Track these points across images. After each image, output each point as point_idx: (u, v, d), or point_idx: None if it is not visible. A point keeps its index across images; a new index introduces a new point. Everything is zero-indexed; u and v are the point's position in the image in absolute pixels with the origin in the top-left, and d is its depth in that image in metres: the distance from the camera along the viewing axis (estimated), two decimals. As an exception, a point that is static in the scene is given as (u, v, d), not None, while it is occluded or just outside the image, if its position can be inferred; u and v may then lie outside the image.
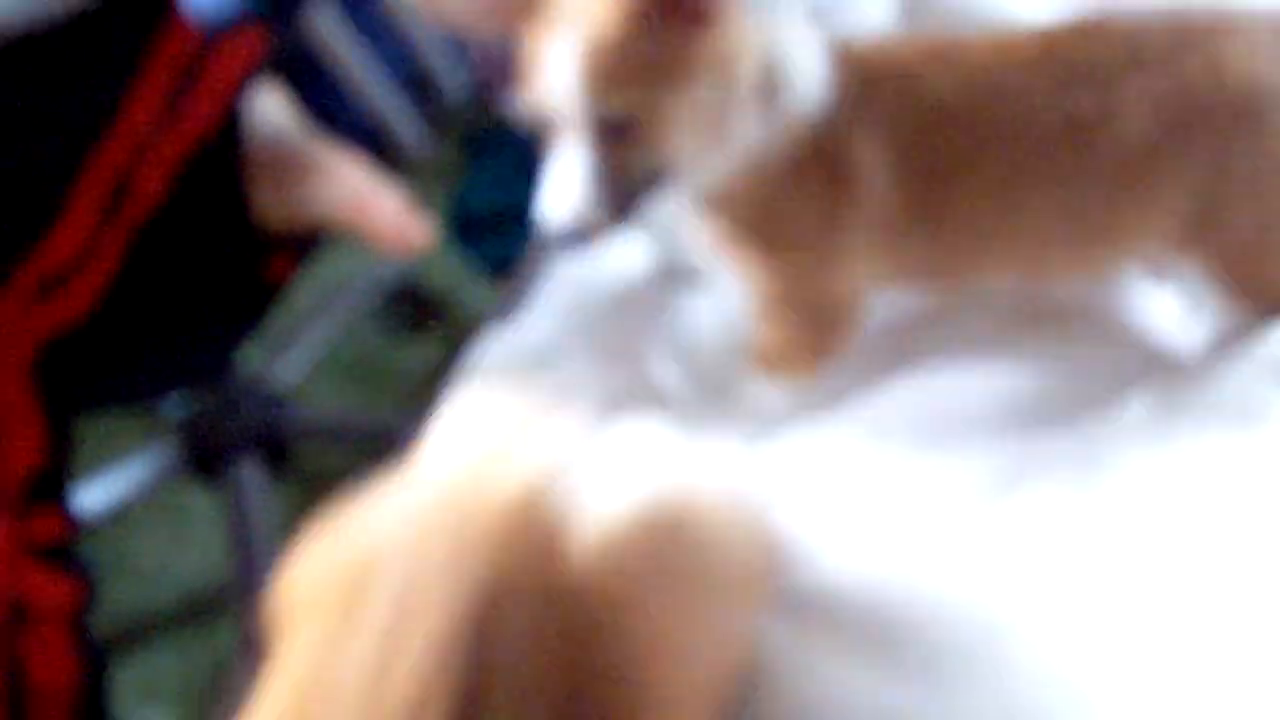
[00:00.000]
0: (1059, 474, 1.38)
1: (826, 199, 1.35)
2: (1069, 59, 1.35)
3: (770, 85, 1.28)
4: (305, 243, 1.73)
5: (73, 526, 1.48)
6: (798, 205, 1.35)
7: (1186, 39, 1.34)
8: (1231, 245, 1.40)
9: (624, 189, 1.25)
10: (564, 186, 1.23)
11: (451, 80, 1.82)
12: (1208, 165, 1.34)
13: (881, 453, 1.43)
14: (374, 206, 1.43)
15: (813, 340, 1.45)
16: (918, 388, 1.50)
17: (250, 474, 2.15)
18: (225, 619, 2.16)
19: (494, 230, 2.53)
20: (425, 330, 2.49)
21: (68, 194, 1.36)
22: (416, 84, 1.79)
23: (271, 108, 1.61)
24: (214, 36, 1.43)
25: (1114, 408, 1.45)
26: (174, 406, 2.19)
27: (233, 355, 2.01)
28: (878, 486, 1.40)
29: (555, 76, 1.19)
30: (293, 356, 2.36)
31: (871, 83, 1.35)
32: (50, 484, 1.41)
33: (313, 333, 2.42)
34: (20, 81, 1.37)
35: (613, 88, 1.19)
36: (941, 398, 1.48)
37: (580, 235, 1.25)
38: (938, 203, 1.38)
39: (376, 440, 1.56)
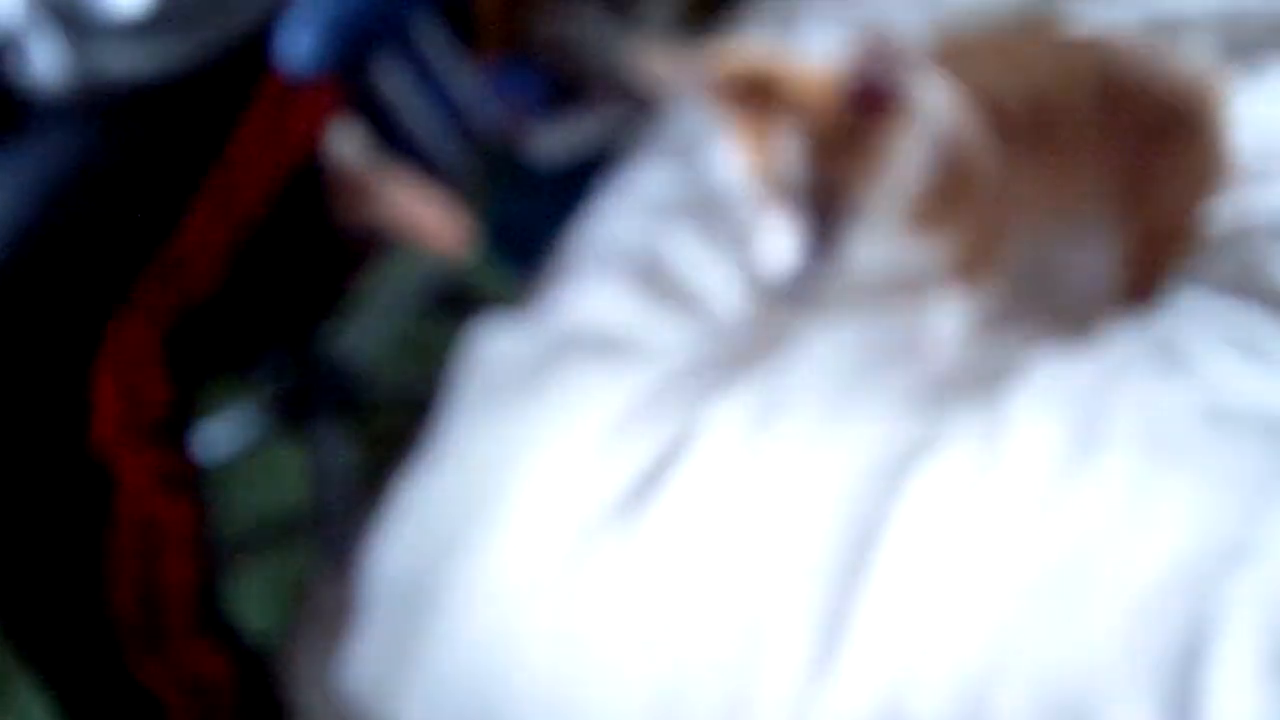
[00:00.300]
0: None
1: (968, 186, 1.43)
2: (1089, 76, 1.50)
3: (925, 134, 1.36)
4: (377, 247, 1.81)
5: (194, 464, 1.54)
6: (955, 198, 1.41)
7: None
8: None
9: (828, 243, 1.30)
10: (782, 244, 1.30)
11: (483, 119, 1.88)
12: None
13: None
14: (425, 216, 1.52)
15: (986, 264, 1.50)
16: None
17: (328, 431, 2.21)
18: (306, 543, 2.21)
19: (520, 238, 2.58)
20: (467, 318, 2.55)
21: (191, 204, 1.44)
22: (456, 120, 1.86)
23: (348, 140, 1.69)
24: (301, 85, 1.50)
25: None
26: (271, 375, 2.23)
27: (317, 334, 2.07)
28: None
29: (780, 150, 1.26)
30: (365, 337, 2.42)
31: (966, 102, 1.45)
32: (175, 429, 1.48)
33: (381, 319, 2.49)
34: (160, 120, 1.45)
35: (824, 159, 1.27)
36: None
37: (799, 285, 1.30)
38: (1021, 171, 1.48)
39: (429, 406, 1.63)
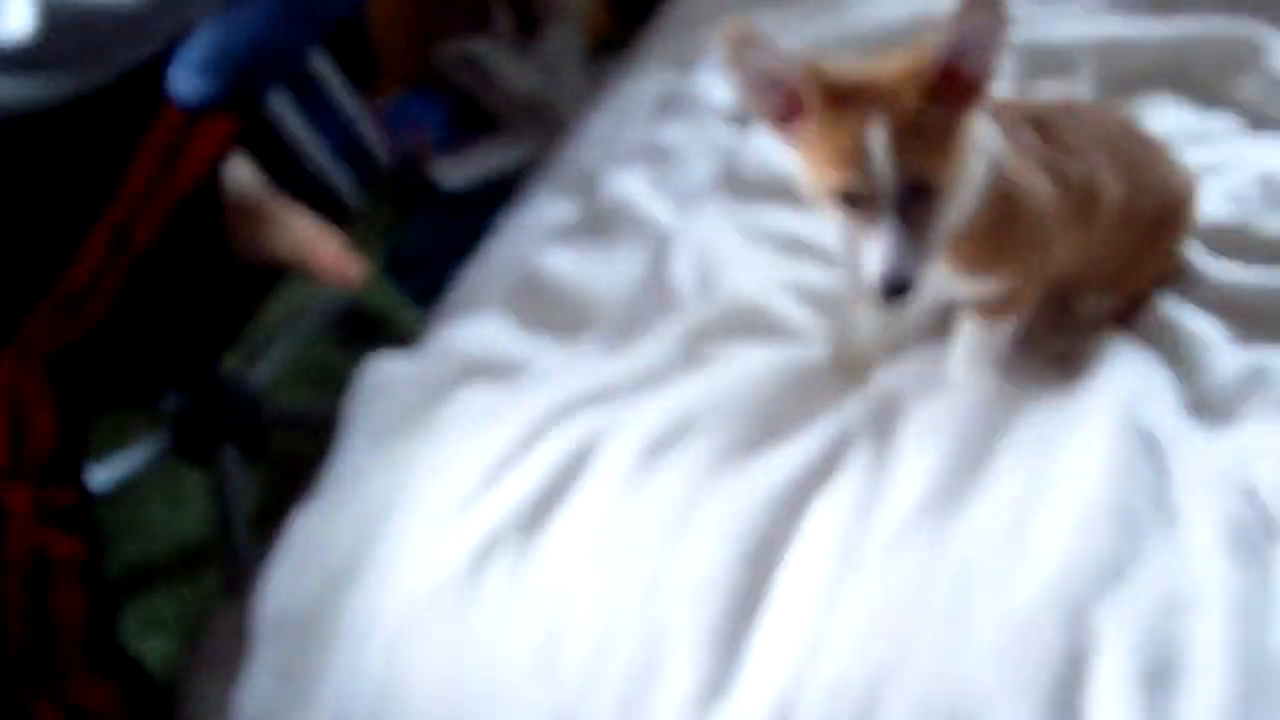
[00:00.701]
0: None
1: (1030, 224, 1.47)
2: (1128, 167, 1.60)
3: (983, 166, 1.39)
4: (275, 275, 1.80)
5: (86, 497, 1.53)
6: (1021, 217, 1.44)
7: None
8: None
9: (922, 246, 1.30)
10: (883, 251, 1.27)
11: (381, 151, 1.89)
12: None
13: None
14: (318, 250, 1.51)
15: (1020, 307, 1.54)
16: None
17: (230, 457, 2.20)
18: (210, 569, 2.19)
19: (420, 268, 2.60)
20: (368, 343, 2.55)
21: (82, 238, 1.43)
22: (355, 154, 1.86)
23: (242, 173, 1.69)
24: (195, 118, 1.49)
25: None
26: (173, 405, 2.20)
27: (216, 362, 2.06)
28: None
29: (872, 154, 1.24)
30: (265, 364, 2.41)
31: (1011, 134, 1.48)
32: (65, 463, 1.47)
33: (281, 345, 2.47)
34: (47, 153, 1.44)
35: (917, 158, 1.26)
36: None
37: (900, 290, 1.28)
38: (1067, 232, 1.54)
39: (330, 430, 1.63)
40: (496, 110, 3.08)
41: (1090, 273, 1.67)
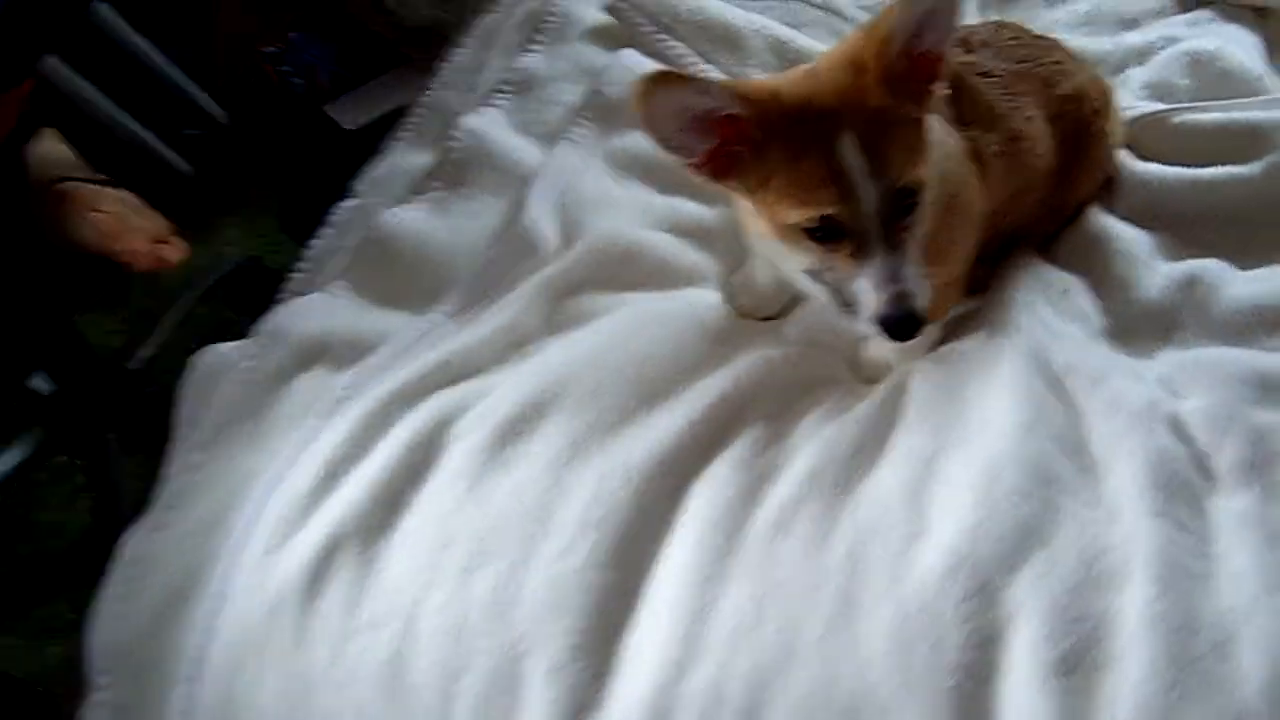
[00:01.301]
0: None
1: (972, 199, 1.33)
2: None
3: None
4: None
5: None
6: (960, 210, 1.31)
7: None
8: None
9: (915, 264, 1.14)
10: (881, 286, 1.12)
11: (215, 108, 1.69)
12: None
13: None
14: (126, 235, 1.32)
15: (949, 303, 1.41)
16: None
17: (112, 446, 2.01)
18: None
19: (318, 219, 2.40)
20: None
21: None
22: (190, 117, 1.67)
23: (50, 149, 1.49)
24: None
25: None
26: (46, 400, 2.02)
27: (79, 343, 1.87)
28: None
29: (849, 172, 1.08)
30: (150, 340, 2.21)
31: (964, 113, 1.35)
32: None
33: (167, 318, 2.27)
34: None
35: (898, 164, 1.10)
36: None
37: (910, 324, 1.13)
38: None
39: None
40: (394, 40, 2.86)
41: (1022, 222, 1.52)
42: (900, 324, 1.12)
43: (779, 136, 1.11)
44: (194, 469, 1.40)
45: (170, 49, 1.99)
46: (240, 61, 2.81)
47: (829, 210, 1.11)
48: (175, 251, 1.42)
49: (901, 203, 1.12)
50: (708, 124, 1.12)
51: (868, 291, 1.13)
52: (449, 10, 2.86)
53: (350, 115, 2.86)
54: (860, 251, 1.13)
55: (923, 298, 1.13)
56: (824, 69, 1.15)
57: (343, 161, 2.75)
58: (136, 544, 1.38)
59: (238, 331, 1.87)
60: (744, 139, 1.13)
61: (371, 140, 2.77)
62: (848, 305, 1.17)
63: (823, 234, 1.13)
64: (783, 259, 1.25)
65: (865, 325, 1.16)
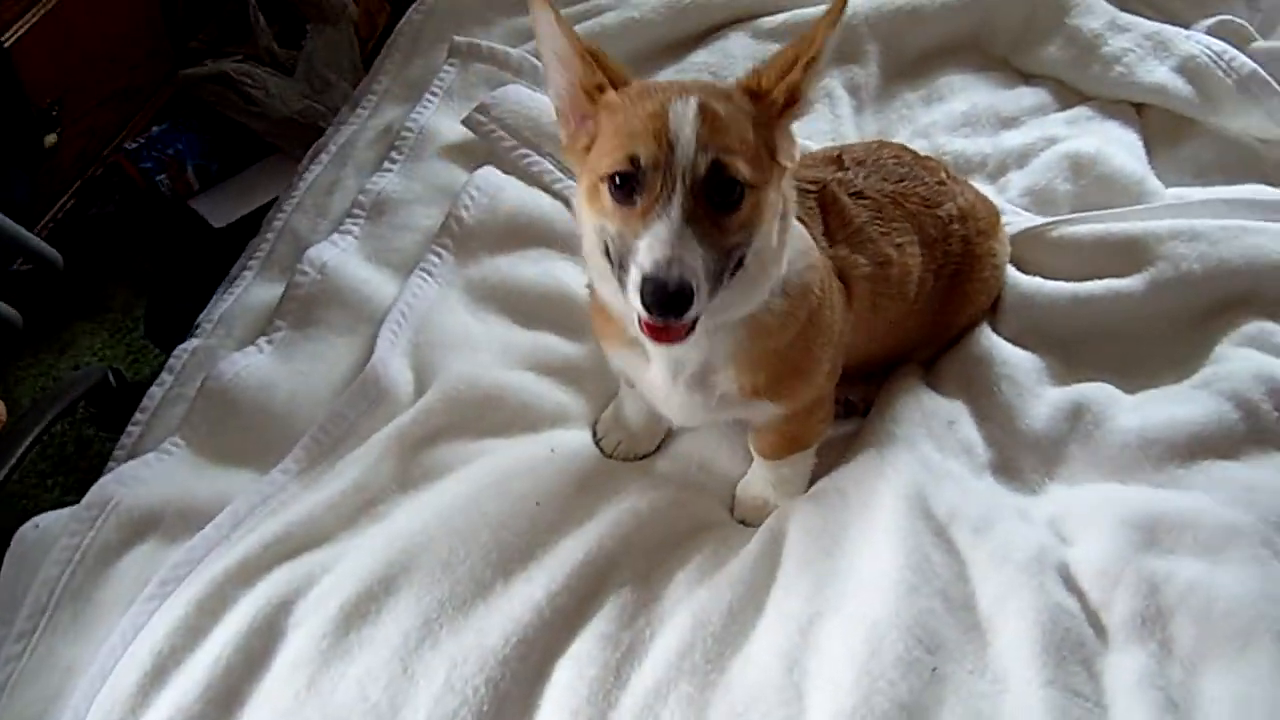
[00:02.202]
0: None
1: (834, 318, 1.25)
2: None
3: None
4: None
5: None
6: (821, 326, 1.22)
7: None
8: None
9: (713, 259, 1.02)
10: (659, 236, 1.00)
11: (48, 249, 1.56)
12: None
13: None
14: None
15: (820, 428, 1.33)
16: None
17: None
18: None
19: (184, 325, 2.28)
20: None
21: None
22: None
23: None
24: None
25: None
26: None
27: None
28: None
29: (676, 128, 1.01)
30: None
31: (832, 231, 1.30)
32: None
33: (24, 437, 2.11)
34: None
35: (723, 144, 1.02)
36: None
37: (673, 298, 0.98)
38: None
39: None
40: (262, 133, 2.74)
41: (899, 345, 1.46)
42: (661, 289, 0.98)
43: (620, 100, 1.08)
44: (12, 661, 1.27)
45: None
46: (103, 157, 2.67)
47: (638, 151, 1.02)
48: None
49: (719, 181, 1.03)
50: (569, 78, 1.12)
51: (642, 251, 1.01)
52: (321, 100, 2.75)
53: (219, 211, 2.72)
54: (654, 208, 1.01)
55: (699, 281, 1.00)
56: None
57: (212, 260, 2.64)
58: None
59: (97, 451, 1.75)
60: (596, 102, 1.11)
61: (241, 236, 2.67)
62: (624, 271, 1.05)
63: (624, 188, 1.04)
64: (590, 240, 1.13)
65: (632, 294, 1.02)
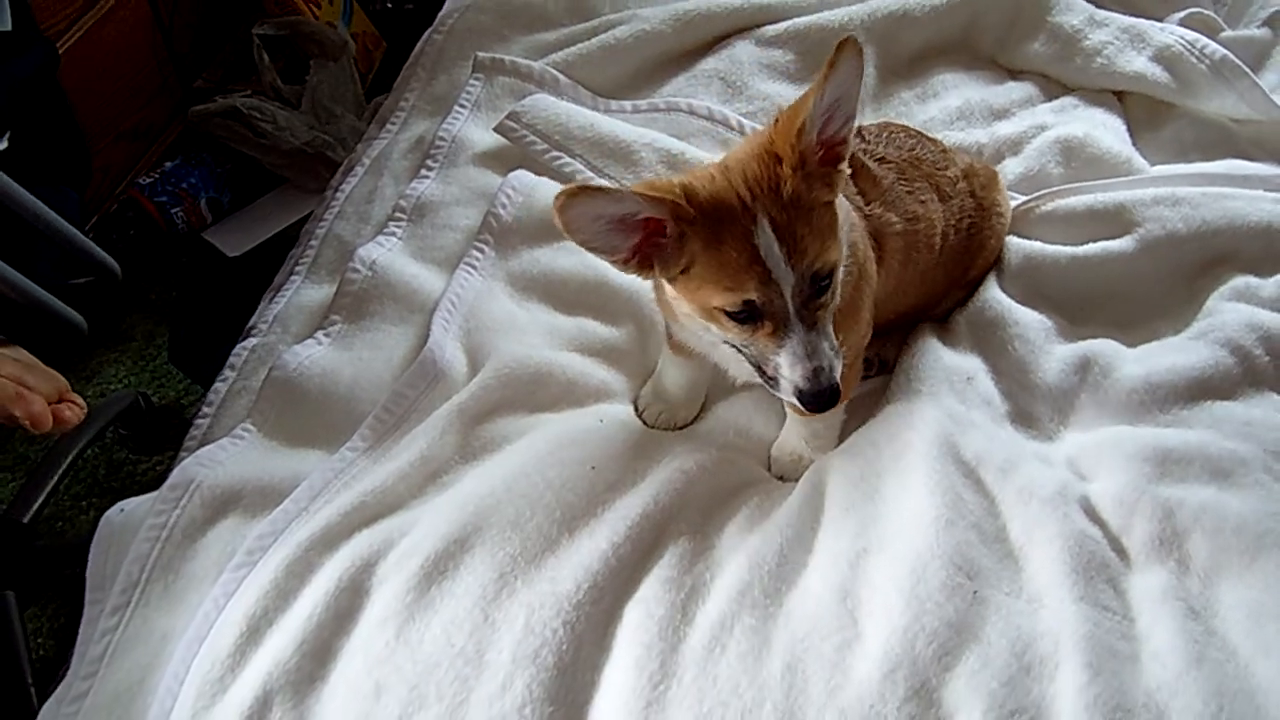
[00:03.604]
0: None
1: (872, 271, 1.39)
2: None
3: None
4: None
5: None
6: (866, 279, 1.37)
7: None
8: None
9: (830, 340, 1.21)
10: (798, 362, 1.19)
11: (105, 255, 1.66)
12: None
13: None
14: (22, 399, 1.29)
15: (852, 382, 1.46)
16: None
17: (11, 606, 1.93)
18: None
19: (206, 350, 2.36)
20: (163, 443, 2.30)
21: None
22: (81, 267, 1.64)
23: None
24: None
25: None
26: None
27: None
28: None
29: (773, 266, 1.15)
30: (38, 490, 2.13)
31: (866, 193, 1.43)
32: None
33: (56, 464, 2.19)
34: None
35: (812, 248, 1.16)
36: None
37: (828, 397, 1.19)
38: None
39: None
40: (271, 165, 2.84)
41: (925, 299, 1.59)
42: (818, 398, 1.19)
43: (698, 229, 1.16)
44: (108, 633, 1.36)
45: (50, 192, 1.97)
46: (116, 194, 2.77)
47: (750, 296, 1.16)
48: (75, 412, 1.37)
49: (817, 284, 1.18)
50: (627, 225, 1.18)
51: (787, 368, 1.19)
52: (328, 131, 2.86)
53: (232, 241, 2.83)
54: (779, 331, 1.18)
55: (838, 371, 1.19)
56: (734, 163, 1.20)
57: (228, 288, 2.74)
58: (54, 717, 1.32)
59: (129, 473, 1.81)
60: (663, 232, 1.18)
61: (255, 265, 2.77)
62: (770, 378, 1.23)
63: (744, 316, 1.19)
64: (705, 333, 1.29)
65: (787, 397, 1.21)
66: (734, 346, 1.26)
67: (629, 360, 1.62)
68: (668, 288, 1.28)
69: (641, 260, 1.22)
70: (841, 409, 1.46)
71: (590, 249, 1.20)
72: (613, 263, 1.22)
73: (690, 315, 1.27)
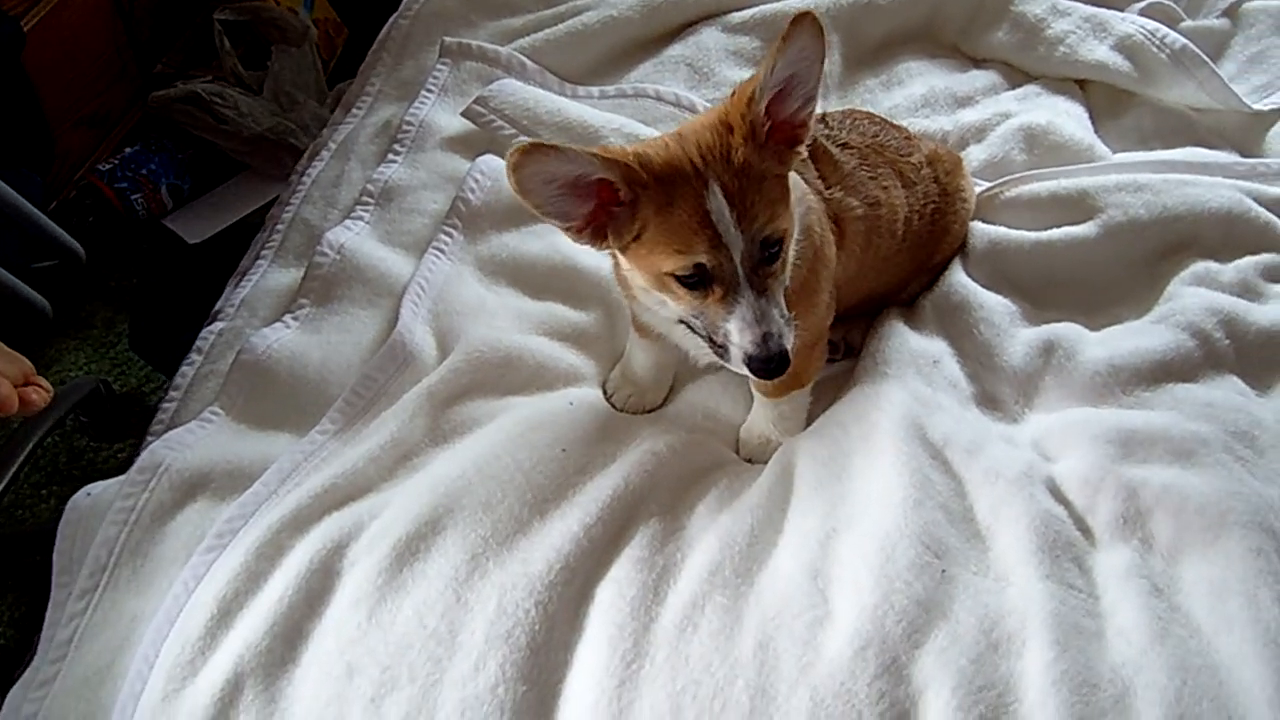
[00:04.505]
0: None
1: (831, 254, 1.40)
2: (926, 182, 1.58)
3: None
4: None
5: None
6: (823, 260, 1.38)
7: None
8: None
9: (779, 307, 1.21)
10: (748, 327, 1.19)
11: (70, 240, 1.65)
12: None
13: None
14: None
15: (816, 365, 1.47)
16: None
17: None
18: None
19: (166, 336, 2.35)
20: (123, 430, 2.28)
21: None
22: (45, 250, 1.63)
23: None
24: None
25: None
26: None
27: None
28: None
29: (723, 229, 1.16)
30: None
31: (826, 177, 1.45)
32: None
33: (13, 453, 2.17)
34: None
35: (762, 215, 1.17)
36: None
37: (777, 362, 1.19)
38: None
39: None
40: (233, 151, 2.82)
41: (890, 284, 1.61)
42: (767, 363, 1.19)
43: (650, 194, 1.17)
44: (76, 617, 1.35)
45: (11, 174, 1.95)
46: (76, 180, 2.74)
47: (700, 259, 1.17)
48: (41, 395, 1.36)
49: (766, 251, 1.19)
50: (580, 189, 1.18)
51: (737, 334, 1.19)
52: (289, 117, 2.84)
53: (193, 228, 2.81)
54: (729, 297, 1.19)
55: (787, 338, 1.20)
56: (689, 132, 1.21)
57: (189, 275, 2.72)
58: (20, 702, 1.31)
59: (89, 460, 1.79)
60: (616, 200, 1.19)
61: (216, 252, 2.74)
62: (720, 348, 1.23)
63: (695, 281, 1.20)
64: (661, 307, 1.30)
65: (736, 366, 1.22)
66: (686, 324, 1.27)
67: (597, 345, 1.62)
68: (622, 260, 1.29)
69: (595, 230, 1.23)
70: (807, 391, 1.47)
71: (544, 214, 1.20)
72: (566, 230, 1.23)
73: (645, 289, 1.28)
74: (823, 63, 1.19)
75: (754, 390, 1.46)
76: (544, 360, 1.56)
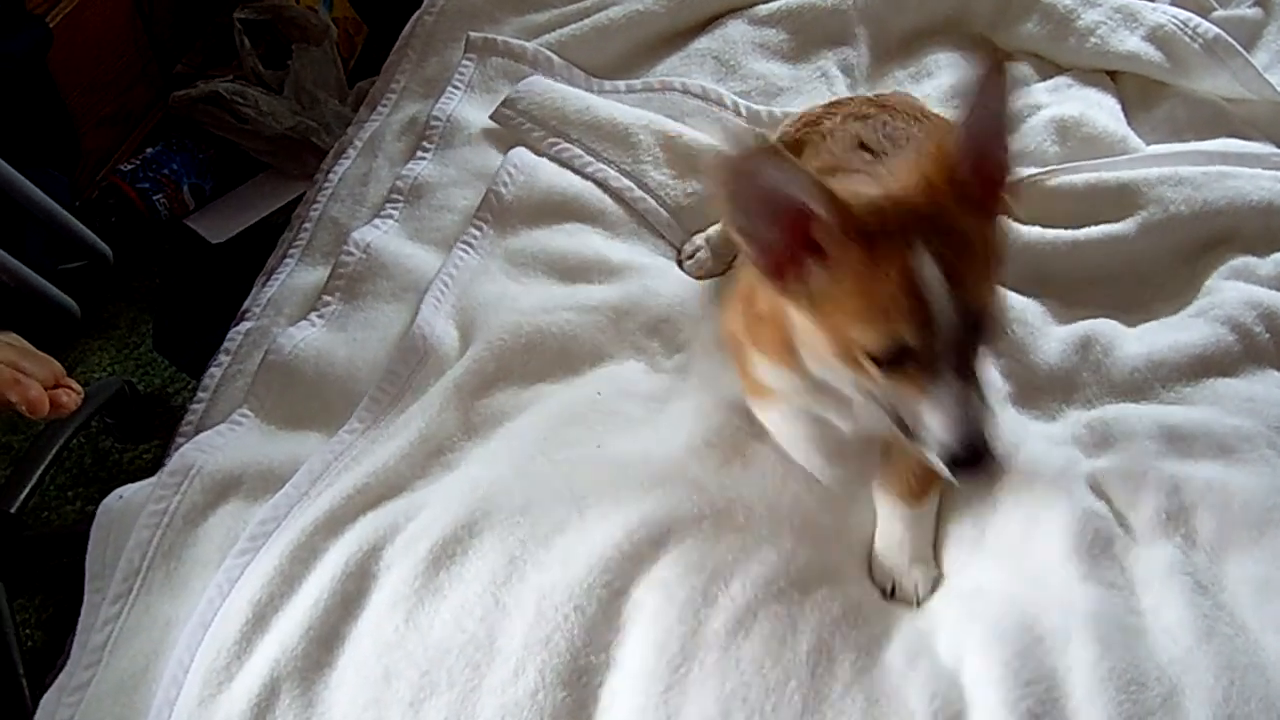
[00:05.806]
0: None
1: None
2: None
3: None
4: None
5: None
6: None
7: None
8: None
9: (985, 397, 1.02)
10: (952, 418, 1.00)
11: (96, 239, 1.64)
12: None
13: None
14: (19, 385, 1.27)
15: None
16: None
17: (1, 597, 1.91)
18: None
19: (191, 337, 2.34)
20: (148, 431, 2.28)
21: None
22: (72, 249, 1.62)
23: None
24: None
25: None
26: None
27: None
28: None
29: (935, 305, 0.98)
30: (23, 479, 2.11)
31: None
32: None
33: (41, 454, 2.17)
34: None
35: (976, 290, 1.00)
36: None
37: (983, 462, 1.00)
38: None
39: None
40: (255, 150, 2.82)
41: None
42: (978, 467, 1.01)
43: (852, 249, 1.01)
44: (110, 622, 1.34)
45: (38, 175, 1.95)
46: (97, 181, 2.74)
47: (907, 340, 1.00)
48: (72, 397, 1.36)
49: (973, 331, 1.02)
50: (780, 213, 1.01)
51: (938, 426, 1.02)
52: (311, 116, 2.84)
53: (215, 229, 2.81)
54: (930, 380, 1.02)
55: (998, 436, 1.03)
56: (901, 179, 1.05)
57: (212, 275, 2.71)
58: (55, 707, 1.31)
59: (115, 462, 1.78)
60: (811, 244, 1.03)
61: (239, 252, 2.74)
62: (909, 431, 1.06)
63: (892, 358, 1.02)
64: (828, 375, 1.15)
65: (933, 459, 1.04)
66: (865, 393, 1.10)
67: (624, 319, 1.59)
68: (795, 315, 1.12)
69: (779, 265, 1.05)
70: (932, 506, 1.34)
71: (735, 226, 1.03)
72: (759, 258, 1.05)
73: (814, 355, 1.13)
74: (1009, 96, 1.03)
75: (880, 499, 1.34)
76: (566, 341, 1.54)
